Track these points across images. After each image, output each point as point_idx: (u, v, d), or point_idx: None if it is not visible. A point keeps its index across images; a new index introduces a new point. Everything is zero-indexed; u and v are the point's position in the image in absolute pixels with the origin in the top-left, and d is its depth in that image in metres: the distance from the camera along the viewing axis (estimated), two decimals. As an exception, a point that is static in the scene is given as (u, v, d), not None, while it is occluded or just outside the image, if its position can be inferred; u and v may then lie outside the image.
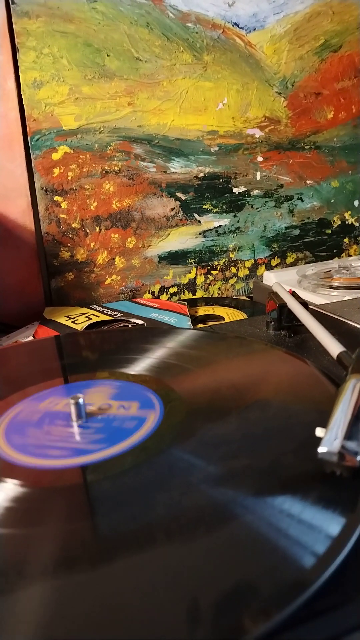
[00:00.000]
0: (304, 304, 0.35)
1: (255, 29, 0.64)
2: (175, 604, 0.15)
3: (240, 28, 0.63)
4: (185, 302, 0.63)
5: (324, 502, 0.17)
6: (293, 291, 0.39)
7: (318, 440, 0.18)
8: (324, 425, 0.19)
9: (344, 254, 0.76)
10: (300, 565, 0.16)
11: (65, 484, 0.20)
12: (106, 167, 0.61)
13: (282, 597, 0.14)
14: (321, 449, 0.17)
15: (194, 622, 0.14)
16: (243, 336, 0.36)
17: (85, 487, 0.20)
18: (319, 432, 0.19)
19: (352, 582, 0.16)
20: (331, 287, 0.60)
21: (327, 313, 0.41)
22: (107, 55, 0.58)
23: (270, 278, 0.68)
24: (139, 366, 0.30)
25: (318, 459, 0.17)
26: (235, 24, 0.63)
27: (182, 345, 0.32)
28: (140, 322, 0.57)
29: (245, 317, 0.60)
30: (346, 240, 0.76)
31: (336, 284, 0.60)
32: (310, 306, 0.44)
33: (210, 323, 0.59)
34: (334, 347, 0.27)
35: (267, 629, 0.14)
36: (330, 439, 0.17)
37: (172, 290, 0.68)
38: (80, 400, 0.24)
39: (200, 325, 0.57)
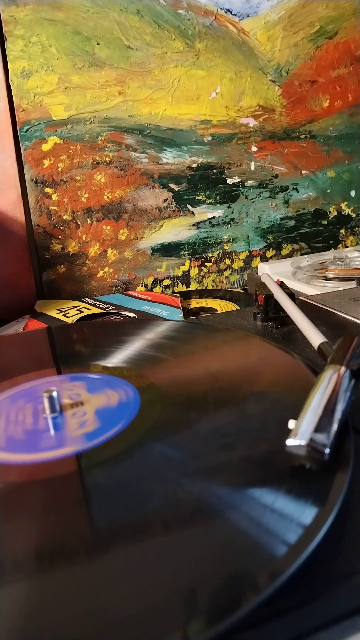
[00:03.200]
0: (291, 294, 0.35)
1: (248, 16, 0.62)
2: (144, 597, 0.14)
3: (233, 15, 0.62)
4: (178, 295, 0.62)
5: (293, 496, 0.17)
6: (281, 282, 0.38)
7: (289, 432, 0.17)
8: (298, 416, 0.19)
9: (340, 245, 0.75)
10: (267, 557, 0.15)
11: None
12: (97, 158, 0.61)
13: (241, 596, 0.14)
14: (289, 442, 0.17)
15: (160, 617, 0.14)
16: (220, 326, 0.35)
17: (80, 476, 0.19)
18: (292, 424, 0.18)
19: (320, 578, 0.15)
20: (326, 279, 0.59)
21: (317, 304, 0.40)
22: (97, 44, 0.58)
23: (265, 270, 0.67)
24: (117, 358, 0.29)
25: (287, 452, 0.17)
26: (228, 10, 0.62)
27: (160, 337, 0.31)
28: (131, 314, 0.56)
29: (243, 308, 0.59)
30: (342, 231, 0.75)
31: (331, 275, 0.59)
32: (300, 297, 0.44)
33: (203, 315, 0.58)
34: (315, 338, 0.26)
35: (226, 626, 0.13)
36: (299, 432, 0.17)
37: (166, 282, 0.68)
38: (54, 394, 0.23)
39: (191, 318, 0.56)
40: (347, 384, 0.20)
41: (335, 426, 0.18)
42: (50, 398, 0.23)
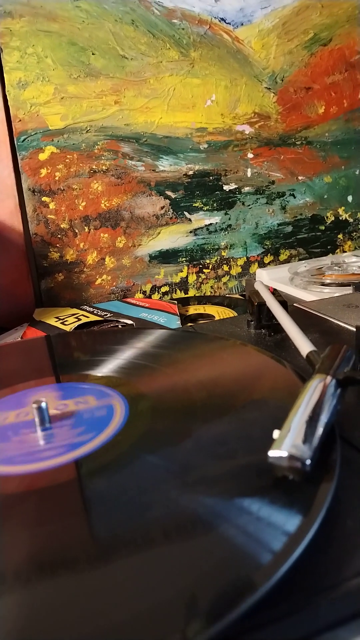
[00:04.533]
0: (283, 302, 0.35)
1: (242, 24, 0.63)
2: (126, 606, 0.14)
3: (227, 23, 0.62)
4: (176, 302, 0.62)
5: (277, 506, 0.17)
6: (274, 289, 0.38)
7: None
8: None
9: (338, 250, 0.75)
10: (248, 568, 0.15)
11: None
12: (94, 167, 0.61)
13: (220, 607, 0.14)
14: (271, 453, 0.17)
15: (140, 629, 0.14)
16: (213, 334, 0.35)
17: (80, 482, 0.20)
18: (276, 434, 0.18)
19: (300, 592, 0.16)
20: (323, 284, 0.59)
21: (311, 310, 0.40)
22: (92, 54, 0.58)
23: (263, 276, 0.67)
24: (106, 367, 0.29)
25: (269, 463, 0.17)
26: (222, 19, 0.62)
27: (150, 346, 0.31)
28: (129, 322, 0.56)
29: (236, 315, 0.59)
30: (340, 236, 0.75)
31: (328, 281, 0.59)
32: (295, 304, 0.44)
33: (201, 322, 0.58)
34: (304, 346, 0.26)
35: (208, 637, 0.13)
36: (281, 443, 0.17)
37: (164, 289, 0.68)
38: (43, 405, 0.23)
39: (188, 325, 0.56)
40: (333, 394, 0.20)
41: (318, 437, 0.18)
42: (39, 409, 0.23)
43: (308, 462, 0.17)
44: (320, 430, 0.18)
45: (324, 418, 0.19)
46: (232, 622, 0.14)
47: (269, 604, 0.15)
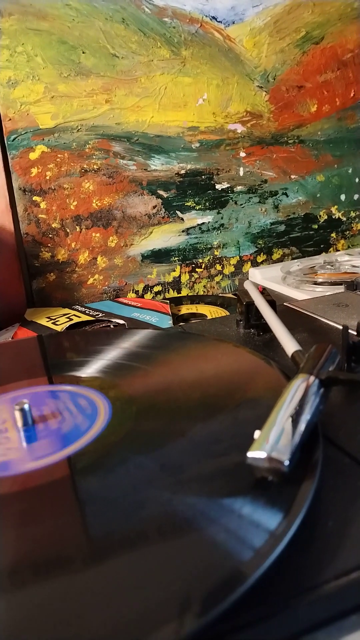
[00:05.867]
0: (272, 301, 0.34)
1: (234, 23, 0.63)
2: (99, 610, 0.14)
3: (219, 22, 0.62)
4: (168, 301, 0.62)
5: (257, 506, 0.17)
6: (263, 288, 0.38)
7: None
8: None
9: (331, 249, 0.75)
10: (224, 569, 0.15)
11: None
12: (85, 166, 0.61)
13: (197, 608, 0.14)
14: (250, 454, 0.17)
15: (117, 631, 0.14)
16: (202, 335, 0.35)
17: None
18: (257, 434, 0.18)
19: (278, 594, 0.15)
20: (315, 283, 0.59)
21: (301, 310, 0.40)
22: (83, 53, 0.58)
23: (256, 275, 0.67)
24: (91, 368, 0.29)
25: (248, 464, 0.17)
26: (213, 17, 0.62)
27: (136, 346, 0.31)
28: (121, 322, 0.56)
29: (228, 314, 0.59)
30: (333, 235, 0.75)
31: (320, 280, 0.59)
32: (285, 303, 0.44)
33: (190, 322, 0.58)
34: (289, 346, 0.26)
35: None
36: (260, 443, 0.17)
37: (157, 289, 0.68)
38: (26, 406, 0.23)
39: (179, 325, 0.56)
40: (316, 393, 0.20)
41: (298, 437, 0.18)
42: (22, 410, 0.23)
43: (286, 463, 0.16)
44: (301, 430, 0.18)
45: (305, 418, 0.18)
46: (207, 625, 0.13)
47: (245, 607, 0.15)
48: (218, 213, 0.68)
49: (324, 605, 0.16)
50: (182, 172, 0.65)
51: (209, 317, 0.59)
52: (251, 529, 0.17)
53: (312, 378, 0.21)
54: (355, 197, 0.75)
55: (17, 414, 0.23)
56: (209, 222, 0.68)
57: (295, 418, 0.18)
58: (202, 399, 0.25)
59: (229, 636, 0.14)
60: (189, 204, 0.66)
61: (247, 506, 0.17)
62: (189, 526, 0.17)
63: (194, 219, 0.67)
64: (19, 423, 0.24)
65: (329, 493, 0.19)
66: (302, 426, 0.18)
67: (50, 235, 0.61)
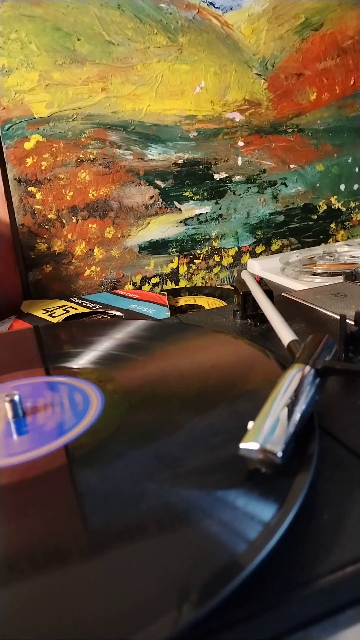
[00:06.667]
0: (269, 291, 0.34)
1: (231, 9, 0.62)
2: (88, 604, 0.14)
3: (216, 8, 0.61)
4: (166, 293, 0.62)
5: (251, 498, 0.16)
6: (261, 278, 0.37)
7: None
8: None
9: (330, 240, 0.75)
10: (217, 564, 0.15)
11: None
12: (81, 156, 0.60)
13: (188, 605, 0.13)
14: (242, 445, 0.16)
15: (110, 625, 0.13)
16: (198, 325, 0.35)
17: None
18: (250, 425, 0.17)
19: (272, 589, 0.15)
20: (314, 274, 0.58)
21: (299, 300, 0.40)
22: (78, 40, 0.57)
23: (254, 266, 0.66)
24: (84, 359, 0.29)
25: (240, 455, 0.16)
26: (211, 3, 0.61)
27: (130, 336, 0.30)
28: (118, 313, 0.56)
29: (225, 305, 0.58)
30: (333, 225, 0.74)
31: (319, 271, 0.59)
32: (283, 293, 0.43)
33: (187, 313, 0.57)
34: (286, 336, 0.25)
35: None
36: (253, 435, 0.16)
37: (154, 280, 0.67)
38: (16, 398, 0.23)
39: (176, 316, 0.55)
40: (311, 384, 0.19)
41: (293, 428, 0.17)
42: (12, 402, 0.23)
43: (280, 454, 0.16)
44: (295, 421, 0.17)
45: (300, 409, 0.18)
46: (197, 621, 0.13)
47: (239, 602, 0.14)
48: (216, 203, 0.67)
49: (319, 600, 0.15)
50: (180, 161, 0.64)
51: (207, 308, 0.59)
52: (245, 521, 0.16)
53: (307, 368, 0.20)
54: (355, 187, 0.74)
55: (7, 406, 0.23)
56: (207, 212, 0.67)
57: (290, 409, 0.17)
58: (198, 389, 0.24)
59: (222, 632, 0.14)
60: (186, 194, 0.66)
61: (241, 498, 0.17)
62: (182, 518, 0.16)
63: (191, 209, 0.66)
64: (9, 415, 0.23)
65: (325, 485, 0.19)
66: (296, 417, 0.17)
67: (46, 227, 0.60)
